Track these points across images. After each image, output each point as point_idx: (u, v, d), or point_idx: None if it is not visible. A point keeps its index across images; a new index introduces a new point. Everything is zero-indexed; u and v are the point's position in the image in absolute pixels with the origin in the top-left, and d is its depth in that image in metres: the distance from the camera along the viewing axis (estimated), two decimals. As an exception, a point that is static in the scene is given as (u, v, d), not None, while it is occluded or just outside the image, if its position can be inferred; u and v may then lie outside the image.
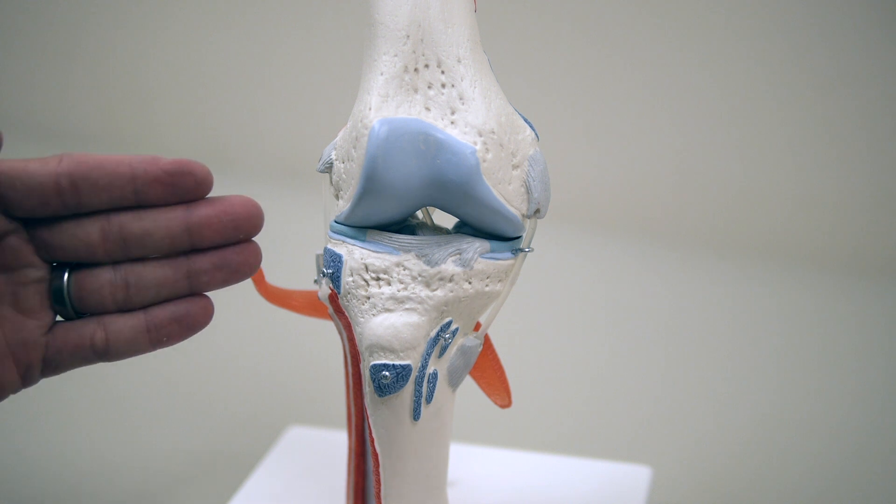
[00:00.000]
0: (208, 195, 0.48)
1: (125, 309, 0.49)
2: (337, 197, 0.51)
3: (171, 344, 0.49)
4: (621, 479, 0.65)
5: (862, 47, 1.10)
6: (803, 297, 1.02)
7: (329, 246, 0.51)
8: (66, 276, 0.49)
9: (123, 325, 0.49)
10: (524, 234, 0.51)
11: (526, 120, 0.51)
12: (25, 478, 0.70)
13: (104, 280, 0.48)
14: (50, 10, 1.31)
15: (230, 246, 0.48)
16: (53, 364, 0.49)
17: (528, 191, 0.50)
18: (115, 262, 0.48)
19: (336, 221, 0.51)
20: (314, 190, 0.52)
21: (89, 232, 0.48)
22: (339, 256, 0.50)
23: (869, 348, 0.92)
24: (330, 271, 0.50)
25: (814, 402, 0.82)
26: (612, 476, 0.66)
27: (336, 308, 0.52)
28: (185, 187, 0.47)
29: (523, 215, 0.50)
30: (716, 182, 1.14)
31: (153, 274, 0.48)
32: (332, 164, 0.51)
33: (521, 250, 0.51)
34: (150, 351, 0.49)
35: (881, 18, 1.09)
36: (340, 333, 0.54)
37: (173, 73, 1.29)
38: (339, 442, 0.68)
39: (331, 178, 0.51)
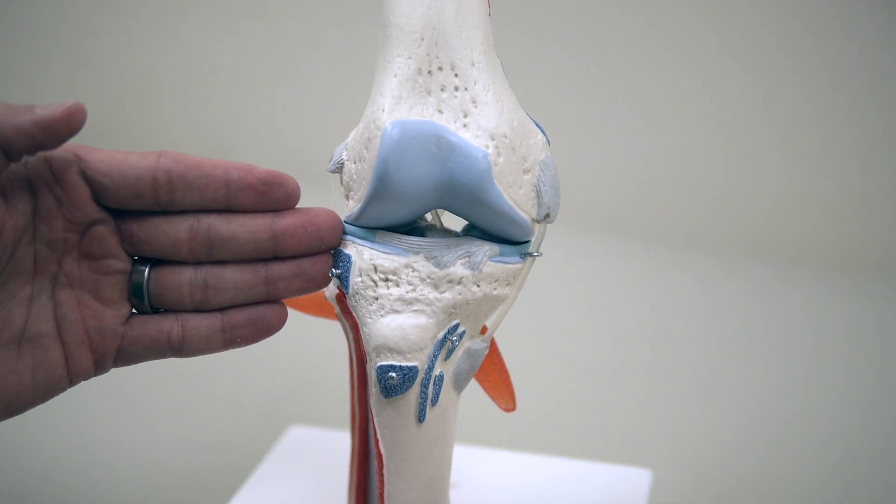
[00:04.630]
0: None
1: (200, 309, 0.50)
2: (347, 197, 0.51)
3: (244, 345, 0.50)
4: (622, 481, 0.66)
5: (853, 46, 1.10)
6: (804, 299, 1.02)
7: (338, 246, 0.51)
8: (146, 271, 0.49)
9: (200, 323, 0.50)
10: (533, 239, 0.51)
11: (537, 124, 0.51)
12: (25, 477, 0.70)
13: (184, 279, 0.49)
14: (60, 9, 1.31)
15: (308, 256, 0.50)
16: (128, 355, 0.50)
17: (539, 195, 0.50)
18: (197, 263, 0.49)
19: (346, 222, 0.51)
20: (324, 190, 0.52)
21: (178, 229, 0.49)
22: (349, 257, 0.50)
23: (867, 348, 0.92)
24: (338, 271, 0.50)
25: (813, 404, 0.82)
26: (612, 479, 0.66)
27: (343, 308, 0.52)
28: (275, 197, 0.49)
29: (533, 220, 0.50)
30: (723, 186, 1.14)
31: (233, 277, 0.49)
32: (342, 164, 0.51)
33: (530, 254, 0.51)
34: (222, 350, 0.50)
35: (874, 17, 1.09)
36: (346, 334, 0.54)
37: (184, 74, 1.29)
38: (339, 442, 0.68)
39: (341, 178, 0.51)
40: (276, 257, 0.50)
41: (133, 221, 0.49)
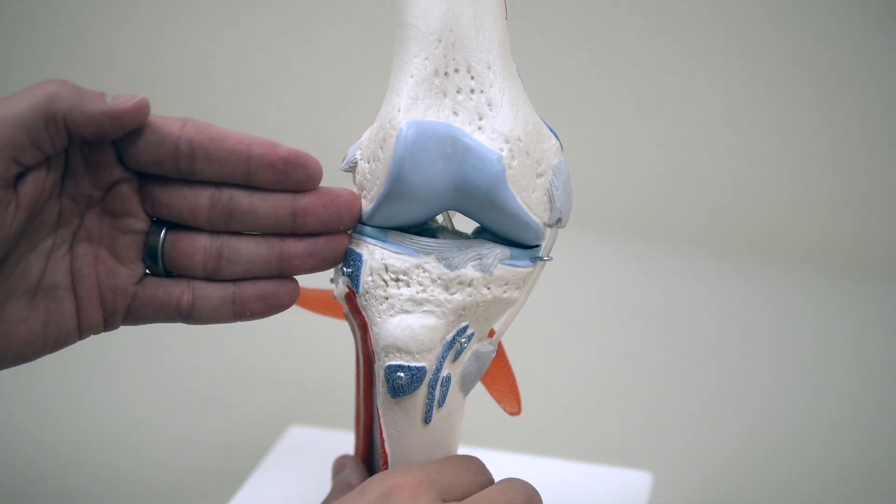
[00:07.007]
0: None
1: (212, 278, 0.50)
2: (360, 196, 0.51)
3: (253, 319, 0.50)
4: (623, 484, 0.66)
5: (856, 46, 1.10)
6: (808, 301, 1.01)
7: (349, 245, 0.51)
8: (163, 233, 0.50)
9: (211, 292, 0.50)
10: (544, 243, 0.52)
11: (551, 129, 0.51)
12: (25, 477, 0.70)
13: (199, 246, 0.50)
14: (59, 7, 1.30)
15: (324, 235, 0.50)
16: (137, 315, 0.50)
17: (551, 200, 0.50)
18: (214, 232, 0.49)
19: (358, 221, 0.51)
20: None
21: (199, 196, 0.49)
22: (360, 256, 0.50)
23: (870, 350, 0.92)
24: (349, 270, 0.50)
25: (814, 405, 0.82)
26: (613, 481, 0.66)
27: (352, 307, 0.52)
28: (296, 178, 0.49)
29: (545, 224, 0.51)
30: (729, 188, 1.14)
31: (248, 250, 0.50)
32: (356, 163, 0.51)
33: (541, 259, 0.51)
34: (230, 322, 0.50)
35: (876, 17, 1.10)
36: (354, 333, 0.54)
37: (197, 74, 1.28)
38: (339, 442, 0.68)
39: (354, 177, 0.51)
40: (293, 234, 0.50)
41: (156, 184, 0.49)
